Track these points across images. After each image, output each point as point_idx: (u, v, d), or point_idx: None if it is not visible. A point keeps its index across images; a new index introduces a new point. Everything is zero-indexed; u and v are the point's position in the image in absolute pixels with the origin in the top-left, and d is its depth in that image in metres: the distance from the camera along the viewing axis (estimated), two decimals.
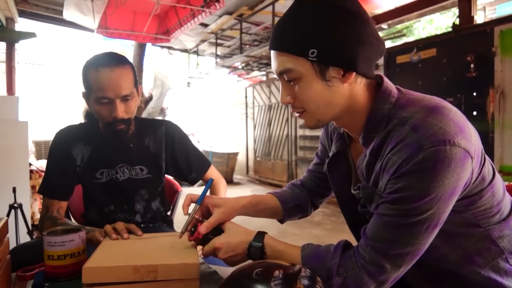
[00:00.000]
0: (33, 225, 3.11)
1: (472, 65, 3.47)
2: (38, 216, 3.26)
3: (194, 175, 1.45)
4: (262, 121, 7.64)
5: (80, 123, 1.40)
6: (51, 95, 8.72)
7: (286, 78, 0.73)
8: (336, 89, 0.71)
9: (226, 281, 0.68)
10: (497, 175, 0.75)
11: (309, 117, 0.76)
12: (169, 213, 1.55)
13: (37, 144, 6.44)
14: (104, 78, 1.14)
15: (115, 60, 1.19)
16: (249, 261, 0.77)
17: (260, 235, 0.80)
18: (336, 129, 0.91)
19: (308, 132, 6.24)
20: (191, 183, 1.49)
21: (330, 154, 0.92)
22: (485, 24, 3.56)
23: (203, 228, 0.82)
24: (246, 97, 8.20)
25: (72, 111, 8.19)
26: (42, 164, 3.70)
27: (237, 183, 7.78)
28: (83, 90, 1.24)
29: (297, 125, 6.45)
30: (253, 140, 8.02)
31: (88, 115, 1.43)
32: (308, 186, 1.07)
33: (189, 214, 0.86)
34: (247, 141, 8.30)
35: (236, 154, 7.94)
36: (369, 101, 0.75)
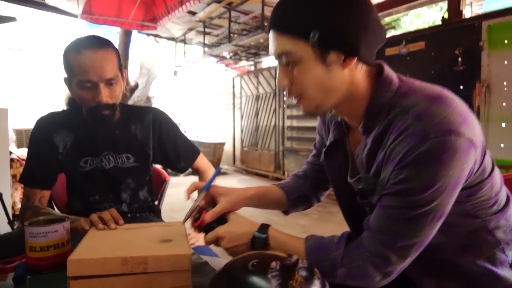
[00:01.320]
0: (14, 215, 3.02)
1: (459, 59, 3.50)
2: (19, 206, 3.17)
3: (183, 163, 1.42)
4: (250, 111, 7.60)
5: (63, 110, 1.34)
6: (32, 82, 8.45)
7: (284, 61, 0.71)
8: (336, 75, 0.69)
9: (219, 273, 0.66)
10: (496, 167, 0.75)
11: (307, 103, 0.74)
12: (156, 202, 1.52)
13: (18, 132, 6.24)
14: (87, 61, 1.09)
15: (98, 42, 1.13)
16: None
17: (264, 226, 0.79)
18: (333, 118, 0.89)
19: (295, 123, 6.24)
20: (180, 171, 1.45)
21: (327, 143, 0.90)
22: (473, 18, 3.59)
23: (208, 216, 0.81)
24: (233, 87, 8.13)
25: (55, 98, 7.97)
26: (23, 152, 3.59)
27: (224, 173, 7.75)
28: (65, 75, 1.19)
29: (285, 116, 6.44)
30: (240, 130, 7.98)
31: (70, 102, 1.37)
32: (310, 177, 1.06)
33: (194, 200, 0.85)
34: (234, 131, 8.26)
35: (223, 144, 7.90)
36: (370, 88, 0.73)
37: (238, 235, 0.78)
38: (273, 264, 0.62)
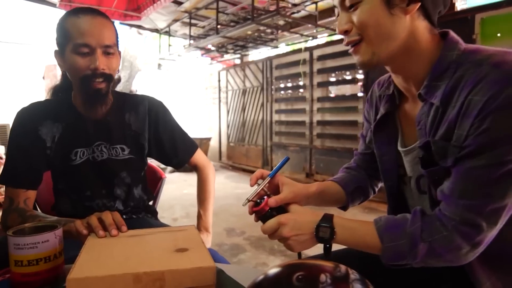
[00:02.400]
0: None
1: None
2: None
3: (180, 157, 1.30)
4: (236, 105, 7.46)
5: (47, 100, 1.20)
6: (12, 75, 8.04)
7: (348, 3, 0.71)
8: (398, 19, 0.69)
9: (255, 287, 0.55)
10: None
11: (364, 49, 0.72)
12: (151, 203, 1.39)
13: (1, 128, 5.90)
14: (86, 23, 1.02)
15: (97, 11, 1.08)
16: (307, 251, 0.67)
17: (328, 215, 0.75)
18: (384, 92, 0.86)
19: (284, 117, 6.15)
20: (175, 167, 1.33)
21: (378, 116, 0.87)
22: (466, 11, 3.57)
23: (272, 201, 0.77)
24: (219, 80, 7.97)
25: (31, 93, 7.62)
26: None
27: None
28: (56, 49, 1.09)
29: (273, 110, 6.34)
30: (226, 125, 7.84)
31: (56, 91, 1.23)
32: (363, 167, 1.02)
33: (257, 185, 0.81)
34: (220, 126, 8.11)
35: (208, 139, 7.75)
36: (435, 47, 0.71)
37: (302, 223, 0.73)
38: (323, 277, 0.53)
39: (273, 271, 0.57)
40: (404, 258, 0.67)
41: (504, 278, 0.70)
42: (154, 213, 1.35)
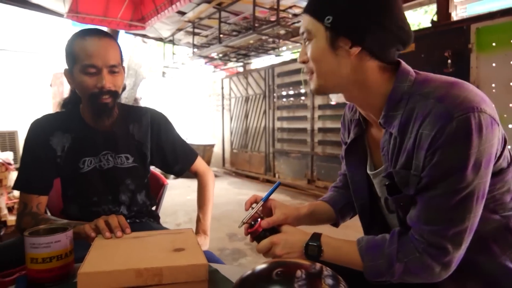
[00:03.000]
0: (0, 221, 2.91)
1: (449, 61, 3.55)
2: (5, 212, 3.05)
3: (181, 166, 1.39)
4: (239, 113, 7.56)
5: (58, 112, 1.29)
6: (15, 83, 8.20)
7: (305, 37, 0.78)
8: (342, 60, 0.74)
9: (241, 283, 0.63)
10: None
11: (314, 79, 0.79)
12: (154, 208, 1.47)
13: (1, 135, 6.05)
14: (92, 46, 1.11)
15: (102, 32, 1.17)
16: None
17: (317, 234, 0.82)
18: (353, 117, 0.92)
19: (286, 125, 6.23)
20: (176, 174, 1.42)
21: (348, 140, 0.93)
22: (462, 21, 3.64)
23: (265, 222, 0.85)
24: (222, 88, 8.07)
25: (39, 100, 7.76)
26: (7, 156, 3.46)
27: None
28: (66, 67, 1.18)
29: (275, 117, 6.42)
30: (230, 132, 7.93)
31: (66, 104, 1.32)
32: (348, 186, 1.06)
33: (251, 209, 0.91)
34: (223, 133, 8.20)
35: (212, 146, 7.83)
36: (388, 82, 0.76)
37: (293, 242, 0.81)
38: (298, 272, 0.61)
39: (258, 268, 0.65)
40: (383, 276, 0.73)
41: (464, 283, 0.78)
42: (157, 217, 1.43)
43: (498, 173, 0.72)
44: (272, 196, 0.96)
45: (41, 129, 1.20)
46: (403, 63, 0.78)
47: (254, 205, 0.93)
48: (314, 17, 0.75)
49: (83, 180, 1.21)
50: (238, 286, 0.62)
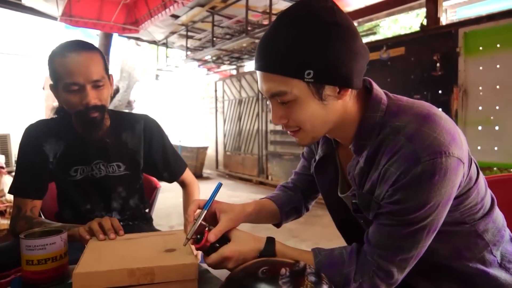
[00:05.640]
0: None
1: (438, 64, 3.62)
2: None
3: (171, 175, 1.41)
4: (232, 115, 7.59)
5: (52, 118, 1.30)
6: (8, 86, 8.15)
7: (279, 100, 0.70)
8: (331, 107, 0.71)
9: (228, 281, 0.66)
10: (480, 172, 0.79)
11: (303, 136, 0.75)
12: (147, 210, 1.50)
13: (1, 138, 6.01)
14: (72, 63, 1.07)
15: (83, 45, 1.12)
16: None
17: (270, 241, 0.79)
18: None
19: (279, 127, 6.24)
20: (166, 182, 1.45)
21: (317, 157, 0.92)
22: (450, 25, 3.72)
23: (212, 236, 0.76)
24: (215, 91, 8.10)
25: (31, 103, 7.72)
26: None
27: (207, 178, 7.70)
28: (51, 82, 1.16)
29: (268, 120, 6.46)
30: (223, 135, 7.95)
31: (59, 110, 1.33)
32: (300, 188, 1.07)
33: (195, 220, 0.79)
34: (217, 136, 8.22)
35: (205, 148, 7.85)
36: (360, 110, 0.75)
37: (246, 253, 0.76)
38: (283, 270, 0.63)
39: (243, 266, 0.68)
40: None
41: (440, 284, 0.82)
42: (150, 220, 1.46)
43: (465, 193, 0.74)
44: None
45: (35, 135, 1.21)
46: (375, 87, 0.76)
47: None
48: (288, 76, 0.66)
49: (75, 188, 1.23)
50: (226, 284, 0.66)
